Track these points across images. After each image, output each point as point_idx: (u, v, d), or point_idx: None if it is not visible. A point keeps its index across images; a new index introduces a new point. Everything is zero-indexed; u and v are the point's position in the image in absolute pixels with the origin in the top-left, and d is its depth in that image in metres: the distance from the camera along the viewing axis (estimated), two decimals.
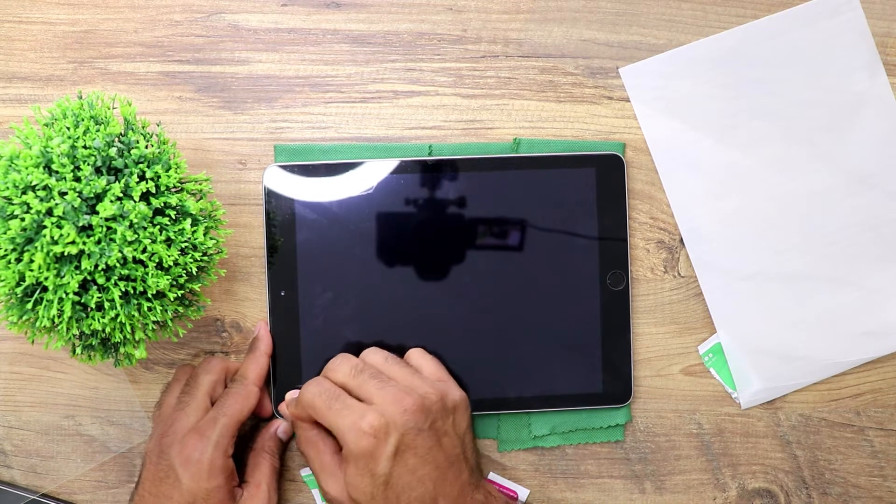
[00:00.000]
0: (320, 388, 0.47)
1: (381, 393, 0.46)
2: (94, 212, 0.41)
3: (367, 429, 0.45)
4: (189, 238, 0.43)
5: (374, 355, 0.50)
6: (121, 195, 0.41)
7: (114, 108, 0.46)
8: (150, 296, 0.43)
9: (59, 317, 0.41)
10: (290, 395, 0.51)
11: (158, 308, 0.43)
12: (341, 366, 0.49)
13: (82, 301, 0.41)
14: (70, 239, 0.39)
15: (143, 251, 0.42)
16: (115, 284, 0.41)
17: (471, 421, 0.50)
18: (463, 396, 0.49)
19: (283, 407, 0.52)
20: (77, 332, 0.43)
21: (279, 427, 0.52)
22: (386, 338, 0.52)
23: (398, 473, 0.45)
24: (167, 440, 0.47)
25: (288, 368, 0.52)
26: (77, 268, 0.41)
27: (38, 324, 0.42)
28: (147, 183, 0.42)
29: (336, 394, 0.47)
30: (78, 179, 0.41)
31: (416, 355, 0.51)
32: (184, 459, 0.46)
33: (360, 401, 0.47)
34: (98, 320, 0.42)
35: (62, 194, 0.40)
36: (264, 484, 0.50)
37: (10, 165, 0.41)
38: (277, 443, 0.52)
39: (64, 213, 0.39)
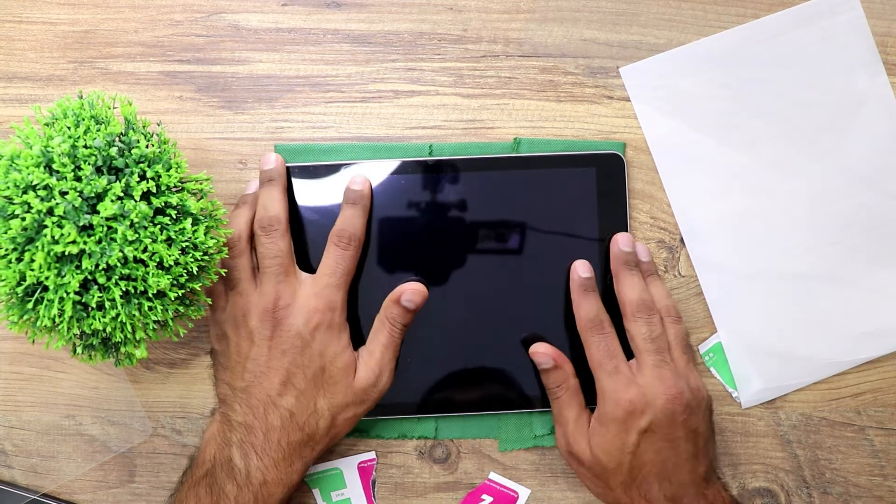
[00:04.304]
0: (606, 345, 0.50)
1: (654, 371, 0.49)
2: (94, 211, 0.41)
3: (626, 401, 0.48)
4: (190, 237, 0.43)
5: (672, 328, 0.51)
6: (121, 195, 0.41)
7: (114, 108, 0.46)
8: (150, 295, 0.43)
9: (59, 316, 0.41)
10: (544, 348, 0.51)
11: (159, 307, 0.43)
12: (643, 325, 0.50)
13: (83, 301, 0.41)
14: (71, 238, 0.39)
15: (144, 251, 0.42)
16: (116, 284, 0.41)
17: (713, 419, 0.52)
18: (709, 398, 0.51)
19: (536, 351, 0.51)
20: (78, 332, 0.43)
21: (403, 295, 0.50)
22: None
23: (644, 449, 0.48)
24: (281, 312, 0.48)
25: None
26: (78, 267, 0.41)
27: (38, 323, 0.42)
28: (148, 182, 0.42)
29: (613, 353, 0.49)
30: (79, 179, 0.41)
31: (675, 344, 0.51)
32: (313, 325, 0.48)
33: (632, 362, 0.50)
34: (99, 320, 0.42)
35: (63, 194, 0.40)
36: (377, 353, 0.50)
37: (10, 165, 0.41)
38: (402, 311, 0.50)
39: (65, 212, 0.39)
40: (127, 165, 0.42)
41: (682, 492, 0.48)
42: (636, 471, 0.48)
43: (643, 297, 0.51)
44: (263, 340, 0.48)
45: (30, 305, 0.41)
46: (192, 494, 0.47)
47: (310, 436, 0.48)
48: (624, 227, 0.53)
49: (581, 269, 0.51)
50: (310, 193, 0.52)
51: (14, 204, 0.40)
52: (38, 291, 0.41)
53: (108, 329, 0.42)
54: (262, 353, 0.48)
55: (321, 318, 0.48)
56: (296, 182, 0.52)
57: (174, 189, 0.45)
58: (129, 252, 0.41)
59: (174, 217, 0.43)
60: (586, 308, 0.51)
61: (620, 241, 0.52)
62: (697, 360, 0.54)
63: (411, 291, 0.50)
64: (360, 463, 0.54)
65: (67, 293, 0.40)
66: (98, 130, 0.42)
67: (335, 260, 0.49)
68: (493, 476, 0.54)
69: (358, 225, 0.50)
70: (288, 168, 0.52)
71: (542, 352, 0.51)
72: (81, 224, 0.40)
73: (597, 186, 0.53)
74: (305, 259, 0.52)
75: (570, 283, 0.51)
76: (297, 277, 0.49)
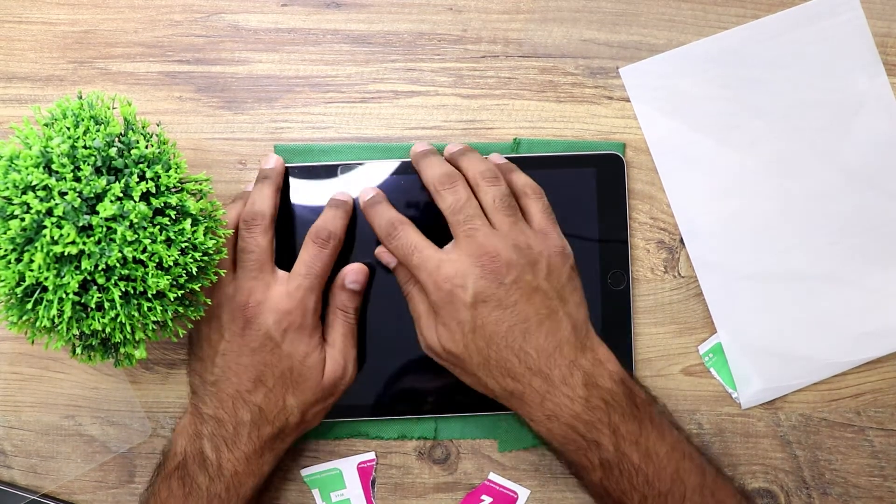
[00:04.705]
0: (404, 241, 0.48)
1: (466, 241, 0.47)
2: (94, 212, 0.41)
3: (444, 280, 0.46)
4: (189, 238, 0.43)
5: (489, 191, 0.49)
6: (121, 195, 0.41)
7: (114, 108, 0.46)
8: (150, 296, 0.43)
9: (59, 317, 0.41)
10: (380, 249, 0.51)
11: (158, 308, 0.43)
12: (447, 197, 0.48)
13: (82, 301, 0.41)
14: (70, 239, 0.39)
15: (143, 251, 0.42)
16: (115, 284, 0.41)
17: (573, 274, 0.49)
18: (560, 251, 0.48)
19: (378, 252, 0.51)
20: (77, 333, 0.43)
21: (346, 278, 0.51)
22: (387, 339, 0.52)
23: (482, 322, 0.46)
24: (252, 310, 0.47)
25: None
26: (77, 268, 0.41)
27: (38, 324, 0.42)
28: (147, 183, 0.42)
29: (413, 246, 0.48)
30: (78, 179, 0.41)
31: (532, 199, 0.50)
32: (283, 326, 0.47)
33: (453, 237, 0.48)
34: (98, 320, 0.42)
35: (62, 194, 0.40)
36: (339, 344, 0.50)
37: (10, 165, 0.41)
38: (350, 296, 0.51)
39: (64, 213, 0.39)
40: (126, 166, 0.42)
41: (546, 360, 0.46)
42: (487, 349, 0.46)
43: (442, 171, 0.49)
44: (234, 336, 0.48)
45: (29, 306, 0.41)
46: (164, 487, 0.47)
47: (280, 429, 0.48)
48: (624, 229, 0.53)
49: (365, 194, 0.51)
50: (309, 194, 0.52)
51: (13, 204, 0.40)
52: (38, 292, 0.41)
53: (108, 329, 0.42)
54: (233, 348, 0.48)
55: (292, 319, 0.48)
56: (295, 182, 0.52)
57: (174, 189, 0.45)
58: (129, 252, 0.41)
59: (173, 218, 0.43)
60: (377, 219, 0.50)
61: (416, 146, 0.51)
62: (693, 361, 0.54)
63: (353, 272, 0.51)
64: (359, 463, 0.54)
65: (67, 294, 0.40)
66: (97, 131, 0.42)
67: (311, 257, 0.49)
68: (492, 476, 0.54)
69: (339, 225, 0.50)
70: (287, 168, 0.52)
71: (386, 252, 0.50)
72: (81, 224, 0.40)
73: (597, 187, 0.53)
74: None
75: (361, 207, 0.51)
76: (272, 275, 0.49)
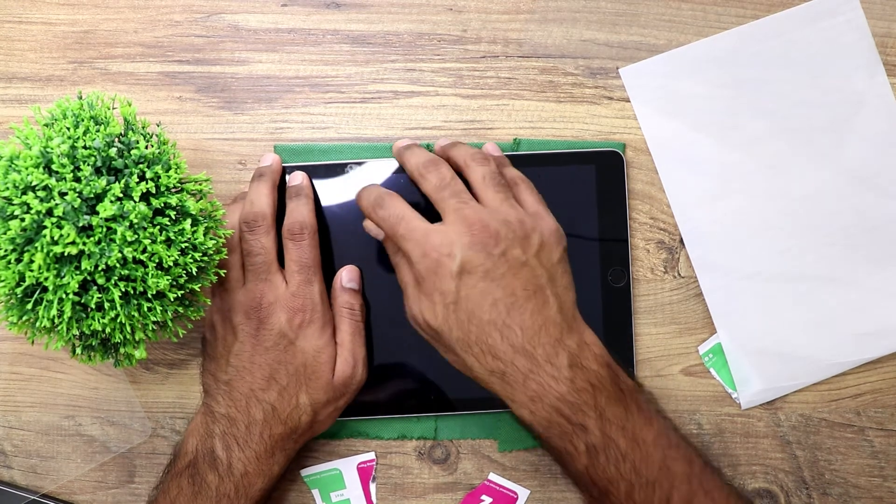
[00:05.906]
0: (390, 213, 0.47)
1: (454, 215, 0.46)
2: (94, 212, 0.41)
3: (431, 249, 0.45)
4: (189, 238, 0.43)
5: (478, 169, 0.48)
6: (121, 195, 0.41)
7: (114, 109, 0.46)
8: (150, 296, 0.43)
9: (59, 317, 0.41)
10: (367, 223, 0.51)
11: (158, 308, 0.43)
12: (431, 178, 0.48)
13: (82, 301, 0.41)
14: (70, 239, 0.39)
15: (143, 251, 0.42)
16: (115, 285, 0.41)
17: (565, 257, 0.48)
18: (553, 231, 0.47)
19: (366, 224, 0.50)
20: (77, 333, 0.43)
21: (342, 279, 0.51)
22: (386, 338, 0.52)
23: (466, 294, 0.45)
24: (265, 311, 0.48)
25: None
26: (77, 268, 0.41)
27: (38, 324, 0.42)
28: (147, 183, 0.42)
29: (400, 216, 0.47)
30: (78, 180, 0.41)
31: (523, 187, 0.50)
32: (297, 323, 0.48)
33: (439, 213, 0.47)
34: (98, 320, 0.42)
35: (62, 194, 0.40)
36: (348, 343, 0.50)
37: (10, 166, 0.41)
38: (350, 294, 0.51)
39: (64, 213, 0.39)
40: (126, 166, 0.42)
41: (531, 338, 0.44)
42: (468, 324, 0.45)
43: (424, 158, 0.49)
44: (247, 337, 0.48)
45: (29, 306, 0.41)
46: (174, 485, 0.47)
47: (292, 429, 0.48)
48: (624, 225, 0.53)
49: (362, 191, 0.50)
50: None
51: (13, 205, 0.40)
52: (38, 292, 0.41)
53: (108, 330, 0.42)
54: (246, 348, 0.48)
55: (304, 315, 0.48)
56: None
57: (174, 190, 0.45)
58: (129, 253, 0.41)
59: (173, 218, 0.43)
60: (365, 195, 0.49)
61: (397, 143, 0.51)
62: (693, 361, 0.54)
63: (347, 272, 0.51)
64: (359, 464, 0.54)
65: (67, 294, 0.40)
66: (97, 131, 0.42)
67: (295, 253, 0.49)
68: (492, 477, 0.54)
69: (304, 212, 0.50)
70: (286, 168, 0.52)
71: (374, 225, 0.50)
72: (81, 225, 0.40)
73: (596, 184, 0.53)
74: None
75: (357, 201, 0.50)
76: (279, 274, 0.49)
